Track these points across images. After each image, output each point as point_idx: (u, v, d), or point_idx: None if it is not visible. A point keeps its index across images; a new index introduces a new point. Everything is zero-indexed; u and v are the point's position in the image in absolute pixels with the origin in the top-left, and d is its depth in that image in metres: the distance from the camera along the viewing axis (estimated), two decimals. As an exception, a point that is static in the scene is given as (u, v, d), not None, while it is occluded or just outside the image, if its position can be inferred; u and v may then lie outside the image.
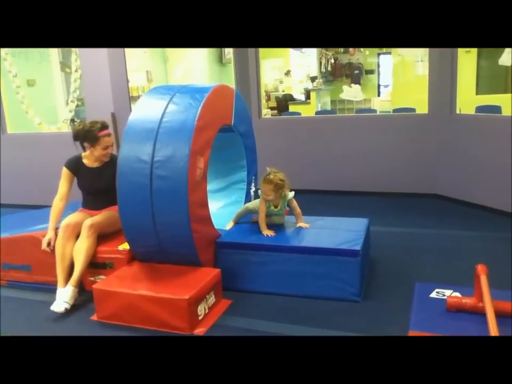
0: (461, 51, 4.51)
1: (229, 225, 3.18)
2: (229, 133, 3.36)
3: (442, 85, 4.47)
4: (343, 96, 5.43)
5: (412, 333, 2.22)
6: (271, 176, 2.95)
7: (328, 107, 10.20)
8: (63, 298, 2.72)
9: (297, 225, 3.10)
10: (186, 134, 2.66)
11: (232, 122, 3.25)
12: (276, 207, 3.07)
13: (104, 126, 3.13)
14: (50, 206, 3.14)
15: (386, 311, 2.59)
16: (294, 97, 10.54)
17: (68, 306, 2.70)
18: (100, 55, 4.36)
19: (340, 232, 2.98)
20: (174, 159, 2.63)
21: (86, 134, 3.09)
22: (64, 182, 3.15)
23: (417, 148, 4.75)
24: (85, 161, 3.19)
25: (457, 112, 4.52)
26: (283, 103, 10.07)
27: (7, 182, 5.31)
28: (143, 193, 2.66)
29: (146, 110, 2.86)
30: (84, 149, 3.19)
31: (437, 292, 2.62)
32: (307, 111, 8.40)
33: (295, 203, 3.12)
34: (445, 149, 4.58)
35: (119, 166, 2.72)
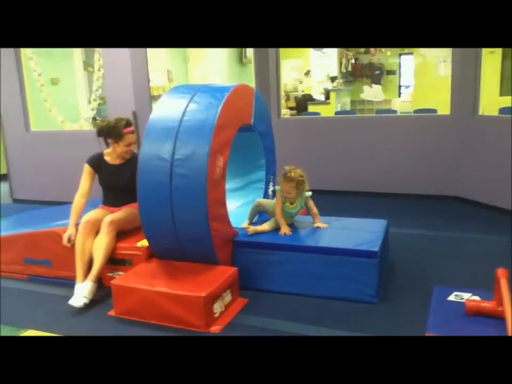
0: (485, 51, 4.42)
1: (244, 224, 3.18)
2: (248, 132, 3.37)
3: (465, 85, 4.40)
4: (363, 96, 5.41)
5: (428, 335, 2.20)
6: (292, 174, 2.95)
7: (348, 107, 10.13)
8: (82, 293, 2.76)
9: (315, 225, 3.09)
10: (207, 133, 2.68)
11: (252, 121, 3.25)
12: (291, 203, 3.05)
13: (128, 123, 3.17)
14: (71, 203, 3.19)
15: (403, 313, 2.57)
16: (313, 97, 10.50)
17: (86, 301, 2.74)
18: (122, 55, 4.42)
19: (358, 233, 2.96)
20: (194, 157, 2.65)
21: (110, 130, 3.14)
22: (85, 178, 3.20)
23: (438, 149, 4.69)
24: (106, 158, 3.24)
25: (480, 113, 4.44)
26: (302, 103, 10.04)
27: (30, 178, 5.43)
28: (163, 191, 2.68)
29: (167, 109, 2.88)
30: (107, 145, 3.23)
31: (455, 295, 2.58)
32: (326, 112, 8.35)
33: (311, 202, 3.12)
34: (466, 151, 4.51)
35: (140, 163, 2.75)
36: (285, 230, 2.98)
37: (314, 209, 3.12)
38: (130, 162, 3.19)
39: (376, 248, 2.68)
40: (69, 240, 3.00)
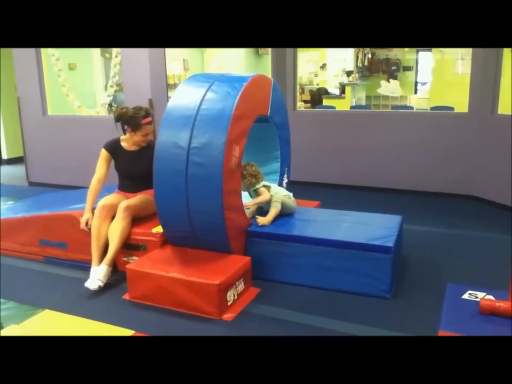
0: (506, 49, 4.36)
1: (249, 202, 3.17)
2: (264, 123, 3.36)
3: (485, 83, 4.35)
4: (380, 91, 5.36)
5: (441, 332, 2.19)
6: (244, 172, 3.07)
7: (363, 103, 10.05)
8: (97, 276, 2.80)
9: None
10: (224, 123, 2.68)
11: (269, 112, 3.25)
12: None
13: (147, 114, 3.18)
14: (86, 187, 3.23)
15: (416, 310, 2.57)
16: (329, 91, 10.43)
17: (101, 284, 2.78)
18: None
19: (373, 228, 2.95)
20: (210, 146, 2.66)
21: (129, 119, 3.15)
22: (102, 164, 3.22)
23: (455, 148, 4.64)
24: (123, 144, 3.26)
25: (499, 112, 4.38)
26: (317, 97, 9.99)
27: (45, 162, 5.49)
28: (179, 179, 2.70)
29: (185, 97, 2.89)
30: (124, 131, 3.25)
31: (470, 294, 2.58)
32: (341, 106, 8.31)
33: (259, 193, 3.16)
34: (484, 150, 4.46)
35: (157, 151, 2.77)
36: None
37: (258, 199, 3.12)
38: (147, 149, 3.21)
39: (390, 244, 2.68)
40: (86, 224, 3.04)
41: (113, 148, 3.24)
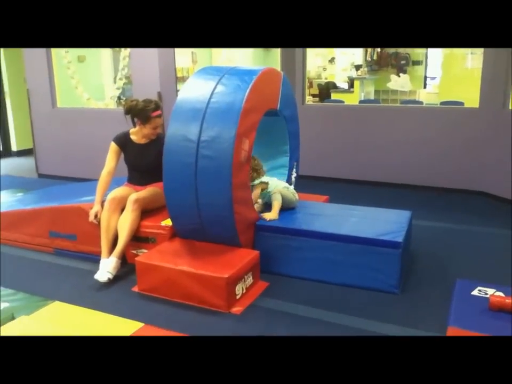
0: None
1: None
2: (273, 117, 3.35)
3: (496, 78, 4.30)
4: (390, 85, 5.31)
5: (451, 328, 2.20)
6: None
7: (372, 97, 9.98)
8: (107, 268, 2.82)
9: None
10: (233, 116, 2.68)
11: (278, 106, 3.24)
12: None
13: (157, 107, 3.19)
14: (96, 180, 3.24)
15: (425, 305, 2.57)
16: (337, 85, 10.37)
17: (110, 276, 2.80)
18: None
19: (381, 222, 2.94)
20: (219, 139, 2.66)
21: (139, 112, 3.16)
22: (111, 156, 3.23)
23: (465, 143, 4.60)
24: (132, 137, 3.27)
25: (510, 107, 4.34)
26: (325, 91, 9.93)
27: (55, 155, 5.52)
28: (188, 172, 2.70)
29: (194, 90, 2.89)
30: (134, 124, 3.26)
31: (479, 290, 2.57)
32: (350, 100, 8.25)
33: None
34: (494, 145, 4.42)
35: (166, 143, 2.77)
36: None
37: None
38: (156, 142, 3.22)
39: (400, 239, 2.67)
40: (95, 216, 3.05)
41: (123, 141, 3.25)
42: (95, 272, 2.82)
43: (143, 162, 3.23)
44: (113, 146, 3.25)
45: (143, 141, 3.27)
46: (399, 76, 5.76)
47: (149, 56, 4.54)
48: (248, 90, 2.75)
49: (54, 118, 5.42)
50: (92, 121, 5.22)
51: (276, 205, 3.07)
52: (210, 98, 2.78)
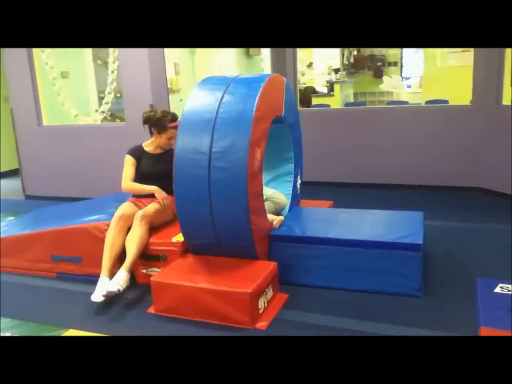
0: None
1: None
2: (277, 124, 3.29)
3: (489, 74, 4.36)
4: (383, 87, 5.34)
5: (483, 328, 2.17)
6: None
7: (351, 100, 10.06)
8: (116, 280, 2.65)
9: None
10: (245, 125, 2.61)
11: (283, 113, 3.19)
12: None
13: (174, 118, 3.27)
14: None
15: (449, 306, 2.53)
16: (316, 90, 10.41)
17: (120, 288, 2.62)
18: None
19: (397, 225, 2.91)
20: (233, 150, 2.58)
21: (156, 122, 3.24)
22: (129, 168, 3.24)
23: (460, 140, 4.65)
24: (146, 148, 3.34)
25: (503, 103, 4.40)
26: (306, 96, 9.95)
27: (42, 174, 5.33)
28: (201, 185, 2.61)
29: (201, 101, 2.80)
30: (151, 133, 3.32)
31: (501, 287, 2.56)
32: (333, 104, 8.29)
33: None
34: (490, 141, 4.47)
35: (176, 157, 2.68)
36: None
37: None
38: (170, 151, 3.26)
39: (420, 241, 2.64)
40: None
41: (137, 153, 3.28)
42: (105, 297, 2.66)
43: (156, 170, 3.22)
44: (129, 159, 3.25)
45: (157, 151, 3.32)
46: (391, 77, 5.80)
47: (139, 67, 4.44)
48: (257, 98, 2.68)
49: (40, 137, 5.23)
50: (80, 138, 5.05)
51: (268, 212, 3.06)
52: (218, 108, 2.71)
